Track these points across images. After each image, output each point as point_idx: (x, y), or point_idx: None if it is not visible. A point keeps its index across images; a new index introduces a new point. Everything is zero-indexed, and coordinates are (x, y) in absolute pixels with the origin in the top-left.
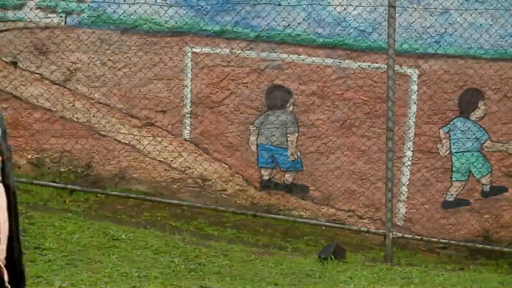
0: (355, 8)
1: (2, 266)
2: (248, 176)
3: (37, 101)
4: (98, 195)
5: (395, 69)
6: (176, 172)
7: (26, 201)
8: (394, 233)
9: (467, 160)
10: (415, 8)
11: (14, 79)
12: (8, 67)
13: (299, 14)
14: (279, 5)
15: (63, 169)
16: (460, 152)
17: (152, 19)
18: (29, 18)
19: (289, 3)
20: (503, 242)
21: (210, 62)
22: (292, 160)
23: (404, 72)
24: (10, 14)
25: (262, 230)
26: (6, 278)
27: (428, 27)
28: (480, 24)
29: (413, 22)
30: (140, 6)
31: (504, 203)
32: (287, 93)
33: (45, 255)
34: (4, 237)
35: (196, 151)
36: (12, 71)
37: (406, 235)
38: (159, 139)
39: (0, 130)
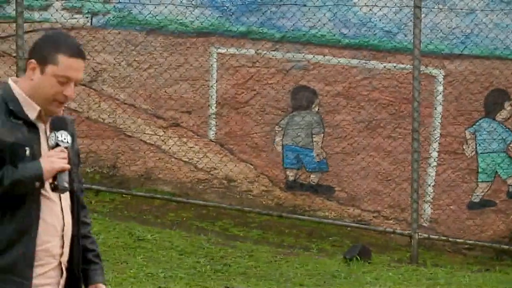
0: (380, 9)
1: (64, 269)
2: (273, 176)
3: None
4: (124, 195)
5: (421, 69)
6: (202, 173)
7: None
8: (419, 234)
9: (493, 161)
10: (441, 9)
11: None
12: None
13: (324, 14)
14: (305, 5)
15: (88, 170)
16: (486, 153)
17: (177, 19)
18: (55, 19)
19: (314, 3)
20: None
21: (236, 63)
22: (318, 161)
23: (430, 72)
24: (36, 15)
25: (288, 231)
26: (63, 281)
27: (454, 28)
28: (506, 25)
29: (439, 22)
30: (165, 7)
31: None
32: (312, 94)
33: None
34: (68, 239)
35: (222, 151)
36: None
37: (432, 236)
38: (184, 139)
39: (70, 136)
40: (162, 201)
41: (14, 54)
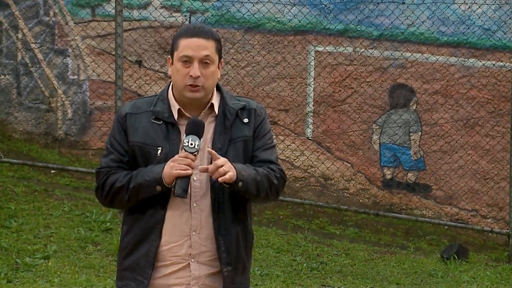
0: (479, 7)
1: (197, 268)
2: (370, 175)
3: None
4: None
5: None
6: (299, 171)
7: None
8: None
9: None
10: None
11: (138, 78)
12: (133, 66)
13: (423, 12)
14: (403, 3)
15: None
16: None
17: (275, 18)
18: (153, 17)
19: (413, 1)
20: None
21: (333, 61)
22: (415, 159)
23: None
24: (135, 13)
25: (384, 229)
26: (205, 281)
27: None
28: None
29: None
30: (263, 5)
31: None
32: (410, 92)
33: None
34: (203, 239)
35: (319, 150)
36: (137, 70)
37: None
38: (281, 137)
39: (198, 141)
40: None
41: (113, 53)
